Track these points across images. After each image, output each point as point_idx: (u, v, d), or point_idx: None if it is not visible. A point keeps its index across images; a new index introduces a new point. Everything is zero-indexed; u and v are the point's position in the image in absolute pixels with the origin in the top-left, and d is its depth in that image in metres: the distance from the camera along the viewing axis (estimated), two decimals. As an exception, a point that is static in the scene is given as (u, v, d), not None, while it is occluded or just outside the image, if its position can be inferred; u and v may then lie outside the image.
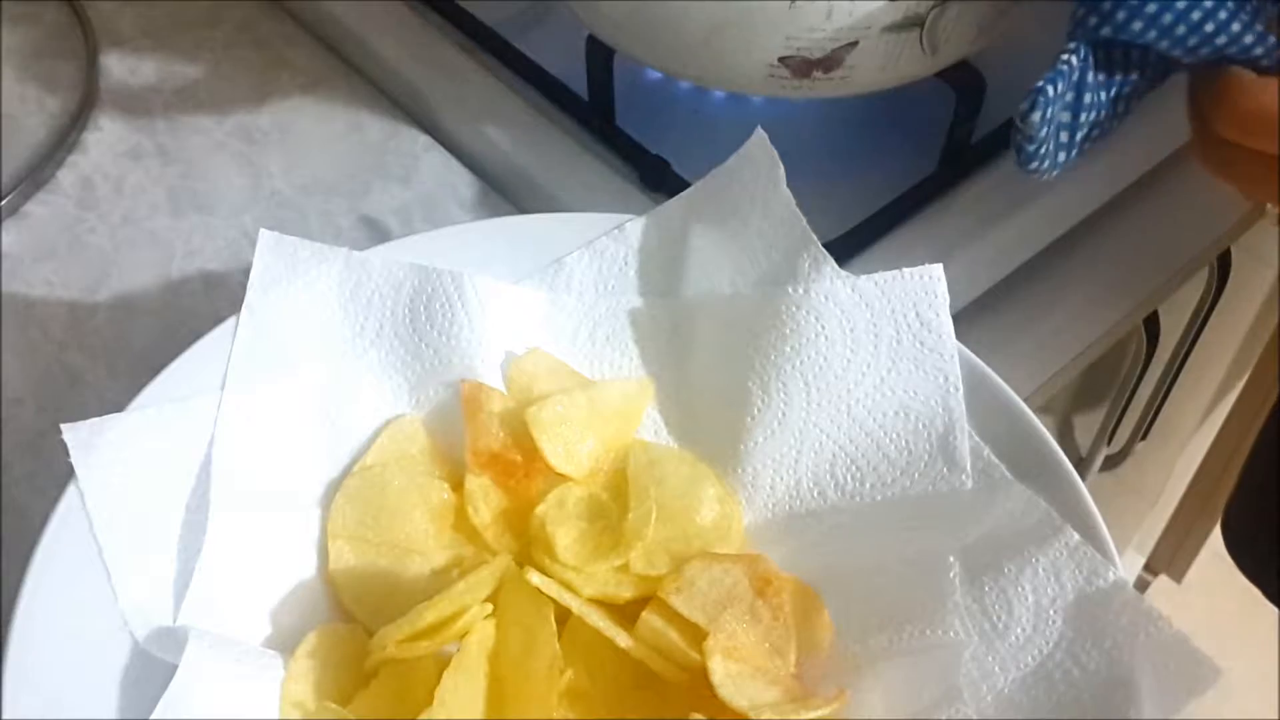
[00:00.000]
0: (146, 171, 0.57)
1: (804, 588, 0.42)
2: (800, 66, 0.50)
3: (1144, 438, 0.91)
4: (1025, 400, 0.44)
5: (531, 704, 0.39)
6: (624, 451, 0.45)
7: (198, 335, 0.43)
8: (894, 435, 0.43)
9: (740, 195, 0.45)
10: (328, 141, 0.59)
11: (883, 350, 0.43)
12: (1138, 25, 0.41)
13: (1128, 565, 1.27)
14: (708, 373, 0.45)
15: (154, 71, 0.61)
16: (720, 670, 0.39)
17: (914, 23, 0.49)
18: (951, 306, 0.43)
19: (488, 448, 0.44)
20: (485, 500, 0.43)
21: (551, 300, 0.46)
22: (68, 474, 0.40)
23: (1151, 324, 0.71)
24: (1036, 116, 0.41)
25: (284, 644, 0.41)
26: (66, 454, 0.40)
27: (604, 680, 0.41)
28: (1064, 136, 0.43)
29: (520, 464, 0.44)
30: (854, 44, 0.49)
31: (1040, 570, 0.40)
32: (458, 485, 0.44)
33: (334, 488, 0.44)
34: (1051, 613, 0.40)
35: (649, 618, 0.41)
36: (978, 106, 0.55)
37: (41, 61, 0.60)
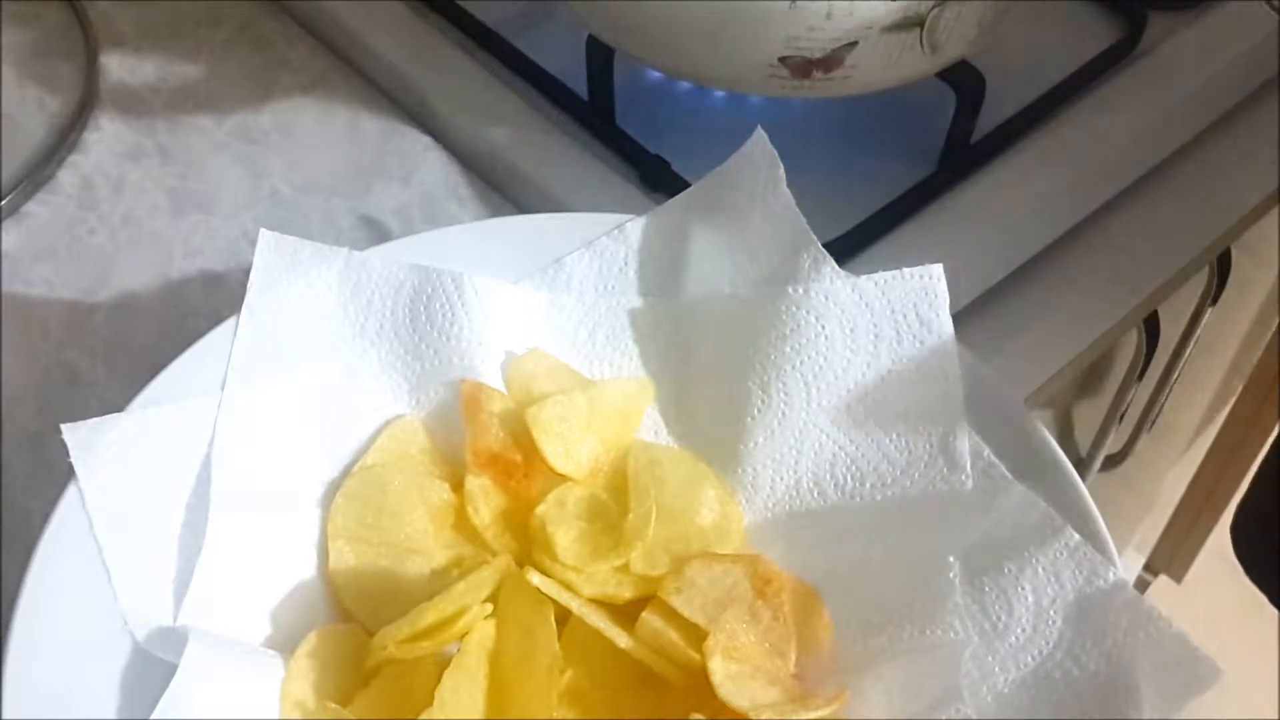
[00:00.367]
0: (146, 171, 0.57)
1: (804, 588, 0.42)
2: (800, 66, 0.50)
3: (1144, 438, 0.91)
4: (1025, 400, 0.44)
5: (531, 704, 0.39)
6: (624, 451, 0.45)
7: (198, 335, 0.43)
8: (894, 435, 0.43)
9: (740, 195, 0.45)
10: (328, 141, 0.59)
11: (883, 350, 0.43)
12: None
13: (1128, 565, 1.27)
14: (708, 373, 0.45)
15: (154, 71, 0.61)
16: (720, 670, 0.39)
17: (914, 23, 0.49)
18: (951, 306, 0.43)
19: (488, 448, 0.44)
20: (485, 500, 0.43)
21: (551, 300, 0.46)
22: (68, 474, 0.40)
23: (1151, 324, 0.71)
24: None
25: (284, 644, 0.41)
26: (66, 454, 0.40)
27: (604, 680, 0.41)
28: None
29: (520, 464, 0.44)
30: (854, 44, 0.49)
31: (1040, 570, 0.40)
32: (458, 485, 0.44)
33: (334, 488, 0.44)
34: (1051, 613, 0.40)
35: (649, 618, 0.41)
36: (978, 106, 0.55)
37: (41, 61, 0.60)
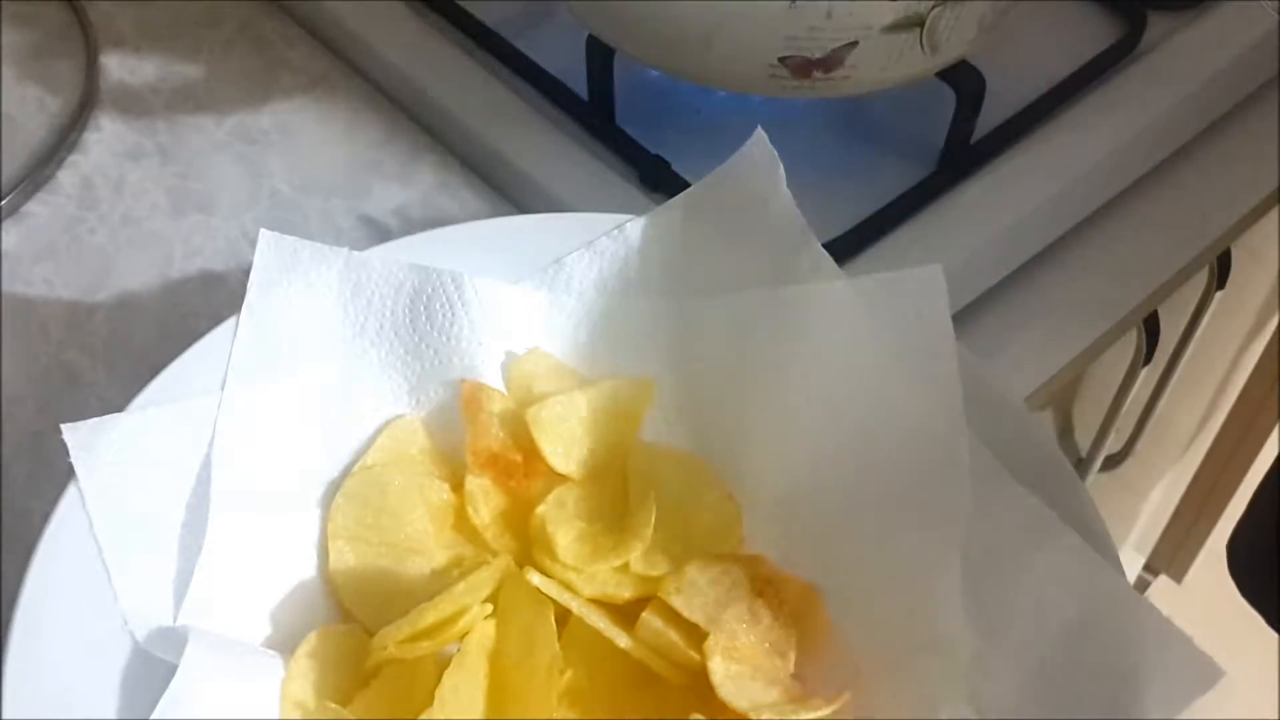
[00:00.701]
0: (146, 171, 0.57)
1: (804, 588, 0.42)
2: (800, 66, 0.50)
3: (1144, 438, 0.91)
4: (1025, 400, 0.44)
5: (532, 704, 0.39)
6: (624, 452, 0.45)
7: (198, 335, 0.43)
8: (894, 435, 0.43)
9: (740, 195, 0.45)
10: (328, 141, 0.59)
11: (883, 350, 0.43)
12: None
13: (1128, 565, 1.26)
14: (708, 373, 0.45)
15: (154, 71, 0.61)
16: (720, 670, 0.39)
17: (914, 23, 0.49)
18: (951, 306, 0.43)
19: (488, 448, 0.44)
20: (485, 500, 0.43)
21: (551, 300, 0.46)
22: (68, 474, 0.40)
23: (1151, 324, 0.71)
24: None
25: (284, 644, 0.41)
26: (66, 454, 0.40)
27: (604, 680, 0.41)
28: None
29: (520, 464, 0.44)
30: (854, 44, 0.49)
31: (1040, 570, 0.40)
32: (458, 485, 0.44)
33: (334, 488, 0.44)
34: (1051, 613, 0.40)
35: (649, 618, 0.41)
36: (978, 106, 0.55)
37: (41, 61, 0.60)
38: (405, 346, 0.45)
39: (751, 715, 0.38)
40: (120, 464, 0.40)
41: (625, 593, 0.42)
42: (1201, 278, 0.74)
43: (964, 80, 0.54)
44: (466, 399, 0.44)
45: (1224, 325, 0.87)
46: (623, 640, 0.40)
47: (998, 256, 0.56)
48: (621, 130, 0.56)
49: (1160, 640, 0.39)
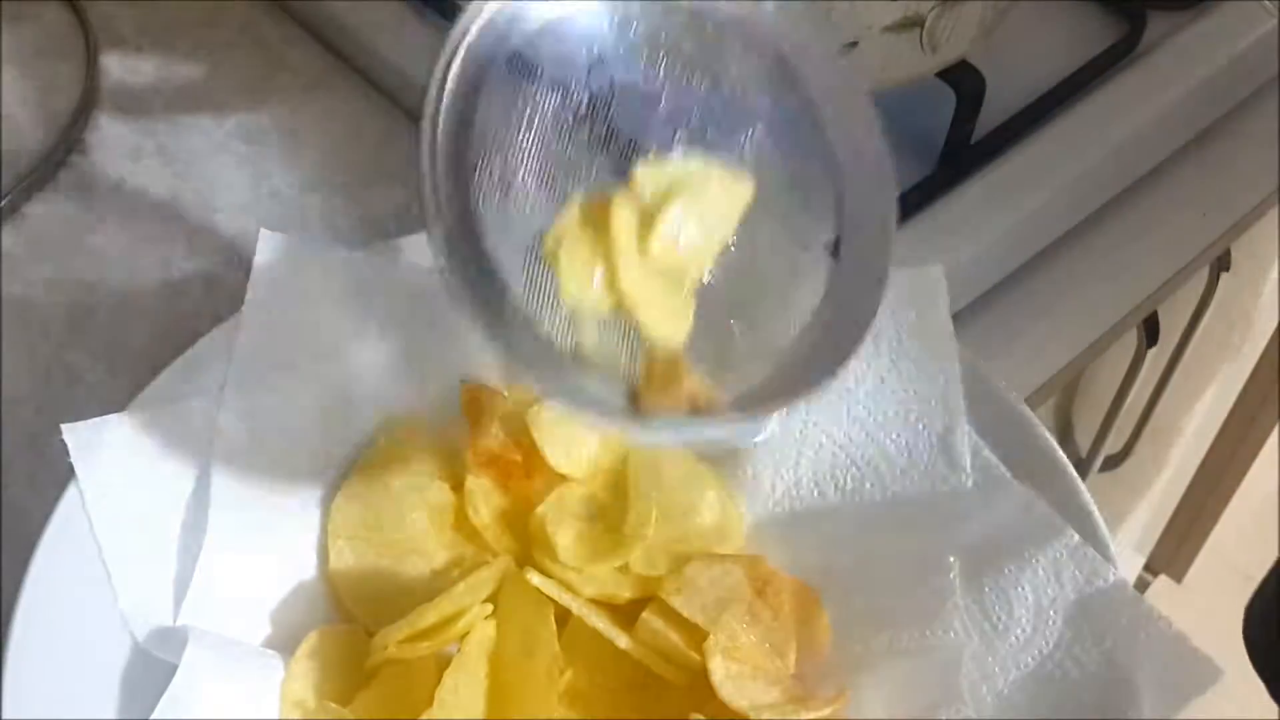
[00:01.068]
0: (146, 171, 0.57)
1: (804, 588, 0.42)
2: (800, 66, 0.50)
3: (1144, 438, 0.91)
4: (1025, 400, 0.44)
5: (531, 704, 0.39)
6: (624, 451, 0.45)
7: (198, 335, 0.43)
8: (894, 435, 0.43)
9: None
10: (328, 141, 0.59)
11: (883, 350, 0.43)
12: None
13: (1128, 565, 1.27)
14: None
15: (154, 71, 0.61)
16: (720, 670, 0.39)
17: (914, 23, 0.49)
18: (951, 306, 0.43)
19: (488, 448, 0.44)
20: (485, 500, 0.43)
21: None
22: (68, 474, 0.40)
23: (1151, 324, 0.71)
24: None
25: (284, 644, 0.41)
26: (66, 454, 0.40)
27: (604, 680, 0.41)
28: None
29: (520, 464, 0.44)
30: (854, 44, 0.49)
31: (1040, 570, 0.40)
32: (458, 485, 0.44)
33: (334, 488, 0.44)
34: (1051, 613, 0.40)
35: (649, 618, 0.41)
36: (978, 106, 0.55)
37: (41, 61, 0.60)
38: (405, 346, 0.45)
39: (751, 715, 0.38)
40: (120, 464, 0.40)
41: (625, 593, 0.42)
42: (1201, 278, 0.74)
43: (964, 80, 0.54)
44: (466, 399, 0.44)
45: (1224, 325, 0.87)
46: (622, 641, 0.40)
47: (998, 256, 0.56)
48: (621, 131, 0.56)
49: (1160, 640, 0.39)
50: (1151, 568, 1.34)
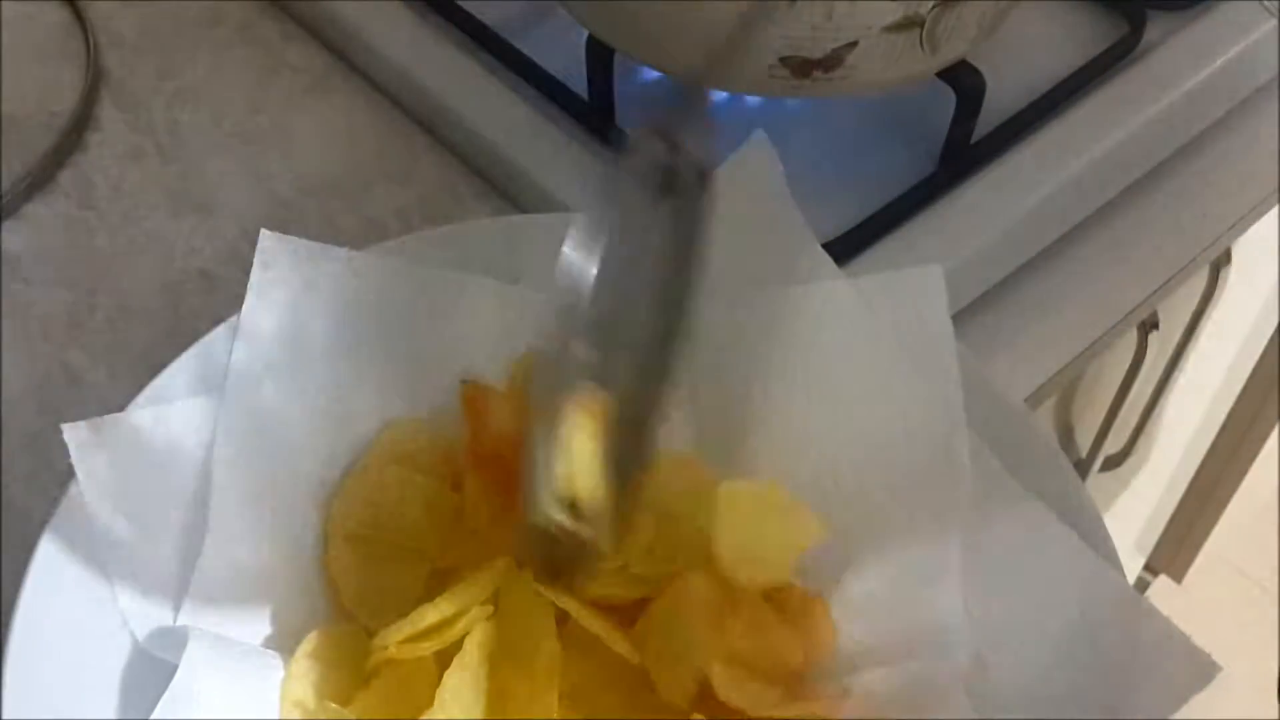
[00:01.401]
0: (146, 171, 0.57)
1: (805, 590, 0.42)
2: (800, 66, 0.50)
3: (1144, 438, 0.91)
4: (1025, 400, 0.44)
5: (532, 704, 0.39)
6: (624, 452, 0.45)
7: (198, 335, 0.43)
8: (894, 436, 0.43)
9: (740, 195, 0.45)
10: (328, 141, 0.59)
11: (883, 350, 0.43)
12: None
13: (1128, 565, 1.27)
14: (708, 373, 0.45)
15: (154, 71, 0.61)
16: (720, 673, 0.39)
17: (914, 23, 0.49)
18: (951, 306, 0.43)
19: (488, 448, 0.43)
20: (485, 501, 0.43)
21: (551, 301, 0.46)
22: (68, 474, 0.40)
23: (1151, 324, 0.71)
24: None
25: (284, 644, 0.41)
26: (66, 454, 0.40)
27: (604, 681, 0.41)
28: None
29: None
30: (854, 44, 0.49)
31: (1040, 571, 0.40)
32: (458, 485, 0.44)
33: (334, 488, 0.44)
34: (1051, 613, 0.40)
35: (648, 620, 0.41)
36: (978, 106, 0.55)
37: (41, 61, 0.60)
38: (405, 346, 0.45)
39: (751, 713, 0.38)
40: (120, 464, 0.40)
41: (625, 593, 0.41)
42: (1201, 278, 0.74)
43: (964, 80, 0.54)
44: (466, 399, 0.44)
45: (1224, 325, 0.87)
46: (620, 645, 0.40)
47: (998, 256, 0.56)
48: (621, 130, 0.56)
49: (1160, 639, 0.39)
50: (1151, 568, 1.34)
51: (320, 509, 0.43)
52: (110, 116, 0.59)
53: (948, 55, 0.52)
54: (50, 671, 0.37)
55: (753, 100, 0.57)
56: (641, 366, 0.39)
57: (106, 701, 0.38)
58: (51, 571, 0.39)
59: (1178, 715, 0.38)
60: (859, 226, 0.53)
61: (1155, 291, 0.61)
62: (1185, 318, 0.79)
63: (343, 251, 0.45)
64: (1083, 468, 0.84)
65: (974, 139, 0.56)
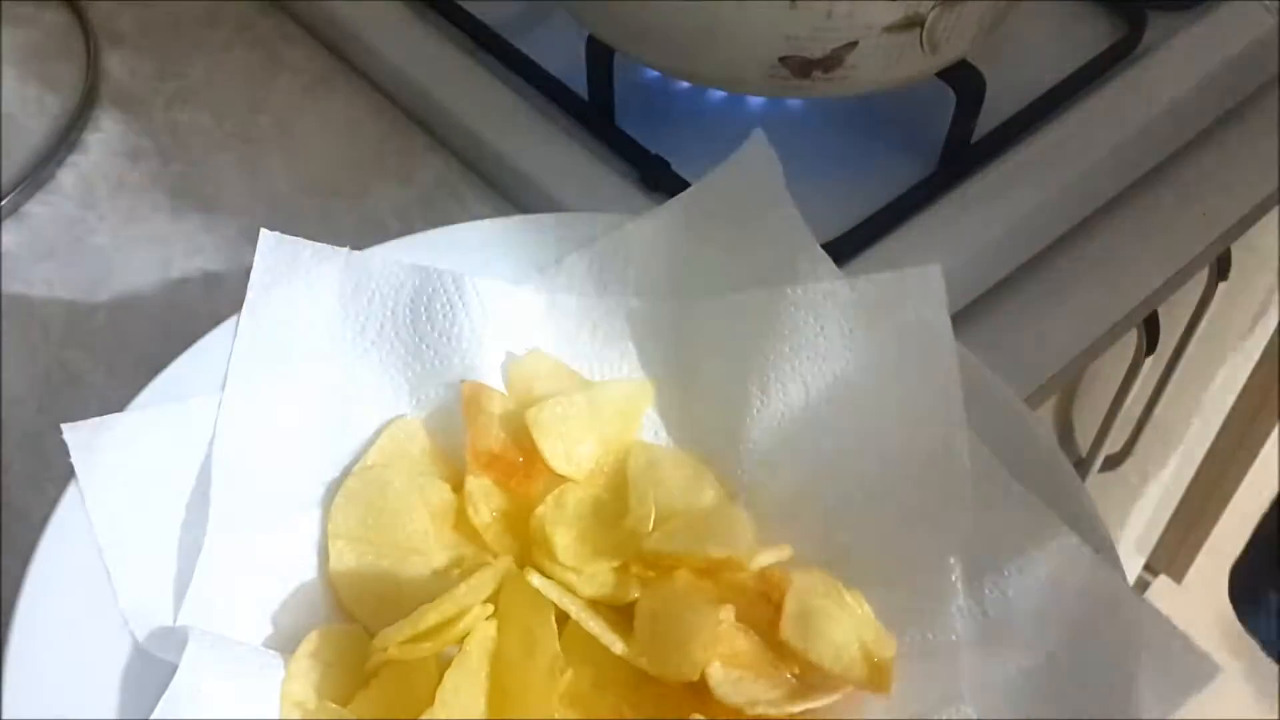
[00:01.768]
0: (146, 171, 0.57)
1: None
2: (800, 66, 0.50)
3: (1144, 438, 0.91)
4: (1025, 400, 0.44)
5: (532, 704, 0.39)
6: (624, 452, 0.45)
7: (198, 335, 0.43)
8: (894, 435, 0.43)
9: (740, 195, 0.45)
10: (328, 141, 0.59)
11: (882, 350, 0.43)
12: None
13: (1128, 565, 1.27)
14: (707, 373, 0.45)
15: (154, 71, 0.61)
16: (718, 674, 0.39)
17: (914, 23, 0.49)
18: (951, 306, 0.43)
19: (488, 449, 0.44)
20: (485, 501, 0.43)
21: (551, 301, 0.46)
22: (68, 474, 0.40)
23: (1151, 324, 0.71)
24: None
25: (284, 644, 0.41)
26: (66, 454, 0.40)
27: (604, 680, 0.41)
28: None
29: (520, 465, 0.44)
30: (854, 44, 0.49)
31: (1040, 570, 0.40)
32: (458, 485, 0.44)
33: (334, 488, 0.44)
34: (1051, 613, 0.40)
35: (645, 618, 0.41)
36: (978, 106, 0.55)
37: (41, 61, 0.60)
38: (405, 347, 0.45)
39: (749, 711, 0.38)
40: (120, 464, 0.40)
41: (625, 593, 0.41)
42: (1201, 278, 0.74)
43: (964, 80, 0.54)
44: (467, 399, 0.44)
45: (1224, 325, 0.87)
46: (618, 647, 0.40)
47: (998, 256, 0.56)
48: (621, 130, 0.56)
49: (1159, 639, 0.39)
50: (1151, 568, 1.34)
51: (320, 509, 0.43)
52: (110, 116, 0.59)
53: (948, 55, 0.52)
54: (50, 671, 0.37)
55: (753, 100, 0.57)
56: None
57: (106, 701, 0.38)
58: (51, 571, 0.39)
59: (1178, 715, 0.38)
60: (859, 226, 0.53)
61: (1155, 291, 0.61)
62: (1185, 318, 0.79)
63: (342, 251, 0.45)
64: (1083, 468, 0.84)
65: (974, 139, 0.56)
